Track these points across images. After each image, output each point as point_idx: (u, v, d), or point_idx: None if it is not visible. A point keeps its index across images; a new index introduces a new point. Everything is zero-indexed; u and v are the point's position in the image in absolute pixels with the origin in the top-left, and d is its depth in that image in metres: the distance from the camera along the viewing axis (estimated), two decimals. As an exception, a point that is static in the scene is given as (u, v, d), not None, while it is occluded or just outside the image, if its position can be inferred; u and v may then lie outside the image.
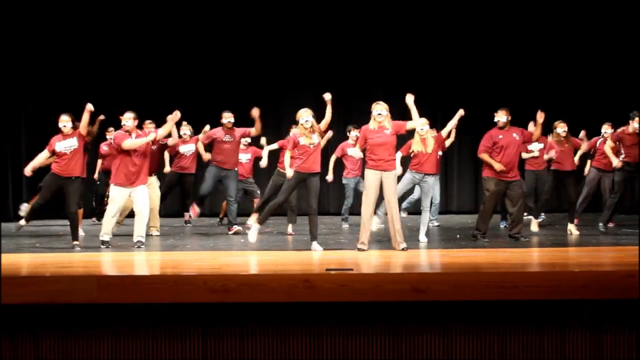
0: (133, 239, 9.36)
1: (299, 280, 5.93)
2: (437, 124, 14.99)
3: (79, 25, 14.33)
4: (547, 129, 10.72)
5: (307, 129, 8.72)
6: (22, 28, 13.81)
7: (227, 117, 11.04)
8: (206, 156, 11.33)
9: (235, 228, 10.94)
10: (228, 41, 14.88)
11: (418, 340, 6.01)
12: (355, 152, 11.35)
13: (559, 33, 14.48)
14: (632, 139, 10.39)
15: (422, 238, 9.62)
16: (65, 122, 9.23)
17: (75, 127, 9.26)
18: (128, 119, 9.33)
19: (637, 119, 10.34)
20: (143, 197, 9.40)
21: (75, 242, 9.19)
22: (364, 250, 8.37)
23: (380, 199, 8.71)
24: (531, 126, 10.27)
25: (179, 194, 12.65)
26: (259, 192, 12.34)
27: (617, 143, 10.52)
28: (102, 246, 9.15)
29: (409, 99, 8.69)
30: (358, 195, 11.44)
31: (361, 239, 8.45)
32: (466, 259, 7.61)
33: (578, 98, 14.40)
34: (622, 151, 10.49)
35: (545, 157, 10.73)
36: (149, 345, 6.04)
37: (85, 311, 5.99)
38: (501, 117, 9.53)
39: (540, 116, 9.48)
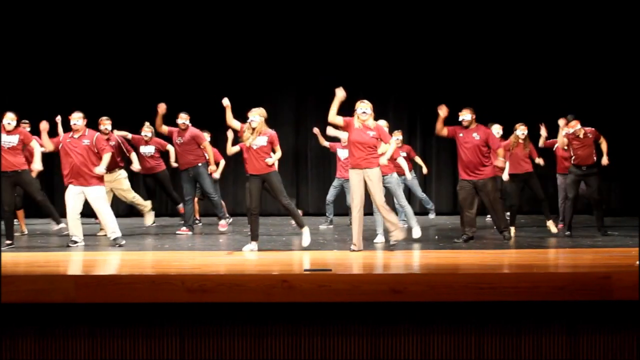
0: (109, 238, 9.34)
1: (278, 281, 5.93)
2: (416, 123, 15.11)
3: (42, 26, 14.29)
4: (509, 131, 10.78)
5: (250, 128, 8.61)
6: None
7: (182, 119, 10.96)
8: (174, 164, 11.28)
9: (222, 222, 10.97)
10: (209, 39, 14.84)
11: (396, 340, 6.03)
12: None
13: (542, 34, 14.52)
14: (578, 141, 10.38)
15: (416, 232, 9.83)
16: (10, 119, 9.13)
17: (18, 125, 9.20)
18: (78, 119, 9.31)
19: (573, 121, 10.37)
20: (95, 198, 9.27)
21: (58, 226, 9.18)
22: (355, 251, 8.37)
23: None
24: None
25: (160, 193, 12.75)
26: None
27: (568, 146, 10.51)
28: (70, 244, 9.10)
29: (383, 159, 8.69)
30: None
31: (353, 240, 8.46)
32: (444, 260, 7.64)
33: (572, 100, 14.43)
34: (572, 154, 10.51)
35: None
36: (126, 344, 6.02)
37: (62, 311, 5.96)
38: (464, 115, 9.57)
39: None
